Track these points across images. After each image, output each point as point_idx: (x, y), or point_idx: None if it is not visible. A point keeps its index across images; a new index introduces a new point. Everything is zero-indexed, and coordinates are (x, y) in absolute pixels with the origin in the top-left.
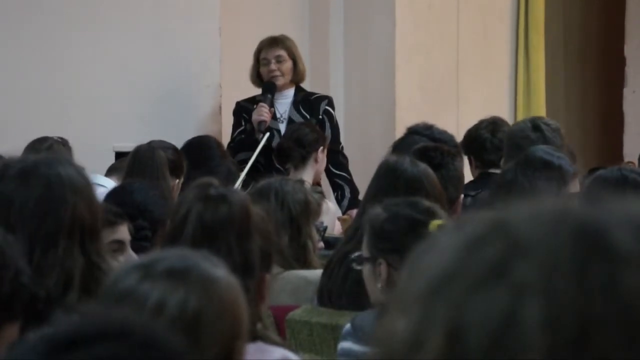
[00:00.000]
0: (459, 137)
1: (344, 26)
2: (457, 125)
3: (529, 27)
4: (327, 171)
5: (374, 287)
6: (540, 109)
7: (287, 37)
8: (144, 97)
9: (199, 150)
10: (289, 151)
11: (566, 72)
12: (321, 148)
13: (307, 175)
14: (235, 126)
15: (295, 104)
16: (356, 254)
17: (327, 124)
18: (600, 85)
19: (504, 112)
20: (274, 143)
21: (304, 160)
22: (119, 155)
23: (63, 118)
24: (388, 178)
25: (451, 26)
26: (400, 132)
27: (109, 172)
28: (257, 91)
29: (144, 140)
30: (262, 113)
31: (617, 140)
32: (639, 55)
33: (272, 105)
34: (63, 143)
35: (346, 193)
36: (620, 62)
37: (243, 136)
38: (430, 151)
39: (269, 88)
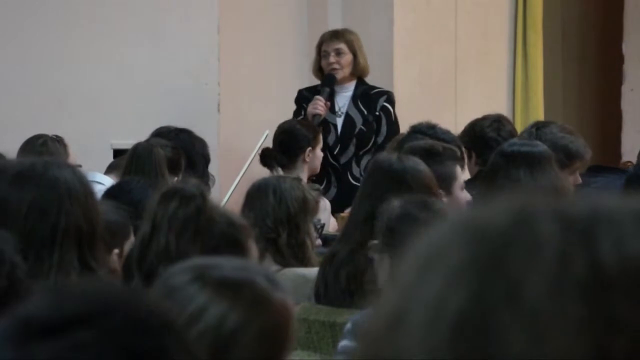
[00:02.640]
0: (457, 134)
1: (343, 24)
2: (455, 123)
3: (527, 25)
4: None
5: (381, 276)
6: (538, 107)
7: (350, 30)
8: (142, 95)
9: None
10: (270, 159)
11: (564, 70)
12: (309, 148)
13: (300, 173)
14: (296, 114)
15: (354, 98)
16: (374, 241)
17: (384, 121)
18: (599, 84)
19: (502, 110)
20: (330, 138)
21: (290, 161)
22: (117, 152)
23: (62, 115)
24: (374, 176)
25: (449, 24)
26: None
27: (109, 170)
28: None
29: (142, 138)
30: (317, 106)
31: (615, 138)
32: (637, 53)
33: (329, 98)
34: (58, 140)
35: None
36: (619, 59)
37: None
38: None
39: (328, 81)
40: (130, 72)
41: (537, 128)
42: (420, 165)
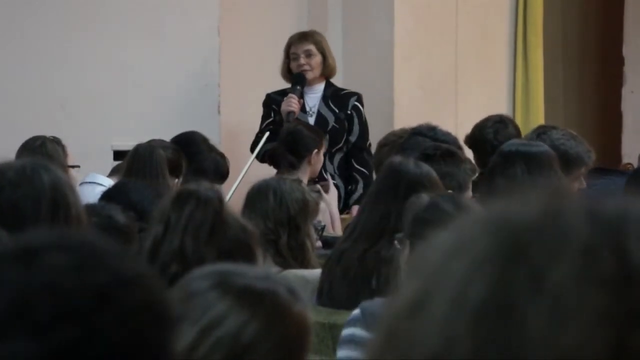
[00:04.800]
0: (458, 136)
1: (343, 25)
2: (455, 124)
3: (528, 27)
4: (349, 165)
5: (403, 265)
6: (538, 109)
7: (316, 31)
8: (142, 96)
9: (185, 147)
10: (279, 158)
11: (565, 72)
12: (315, 151)
13: (302, 175)
14: (265, 117)
15: (325, 98)
16: (400, 234)
17: (356, 120)
18: (599, 86)
19: (503, 112)
20: None
21: (298, 163)
22: (118, 153)
23: (62, 116)
24: (390, 178)
25: (450, 26)
26: None
27: (113, 172)
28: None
29: (143, 139)
30: (291, 104)
31: (615, 140)
32: (637, 55)
33: (301, 97)
34: (56, 141)
35: (359, 188)
36: (619, 62)
37: (271, 127)
38: (429, 150)
39: (298, 80)
40: (130, 73)
41: (539, 134)
42: (433, 171)
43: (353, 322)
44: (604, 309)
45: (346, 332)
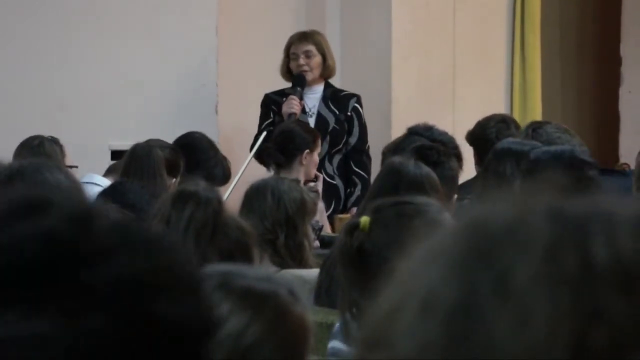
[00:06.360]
0: (455, 136)
1: (341, 25)
2: (453, 124)
3: (525, 26)
4: (348, 167)
5: None
6: (536, 109)
7: (317, 32)
8: (140, 96)
9: (193, 150)
10: (267, 156)
11: (562, 72)
12: (307, 151)
13: (296, 176)
14: (263, 118)
15: (325, 99)
16: None
17: (355, 122)
18: (596, 85)
19: (501, 112)
20: None
21: (287, 162)
22: (115, 153)
23: (60, 116)
24: (390, 178)
25: (448, 25)
26: (396, 131)
27: (108, 172)
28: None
29: (141, 139)
30: (292, 105)
31: (613, 140)
32: (635, 55)
33: (301, 98)
34: (54, 141)
35: (356, 190)
36: (617, 62)
37: (271, 128)
38: (426, 149)
39: (299, 81)
40: (128, 73)
41: (533, 129)
42: (432, 172)
43: (334, 335)
44: (566, 305)
45: (330, 345)
